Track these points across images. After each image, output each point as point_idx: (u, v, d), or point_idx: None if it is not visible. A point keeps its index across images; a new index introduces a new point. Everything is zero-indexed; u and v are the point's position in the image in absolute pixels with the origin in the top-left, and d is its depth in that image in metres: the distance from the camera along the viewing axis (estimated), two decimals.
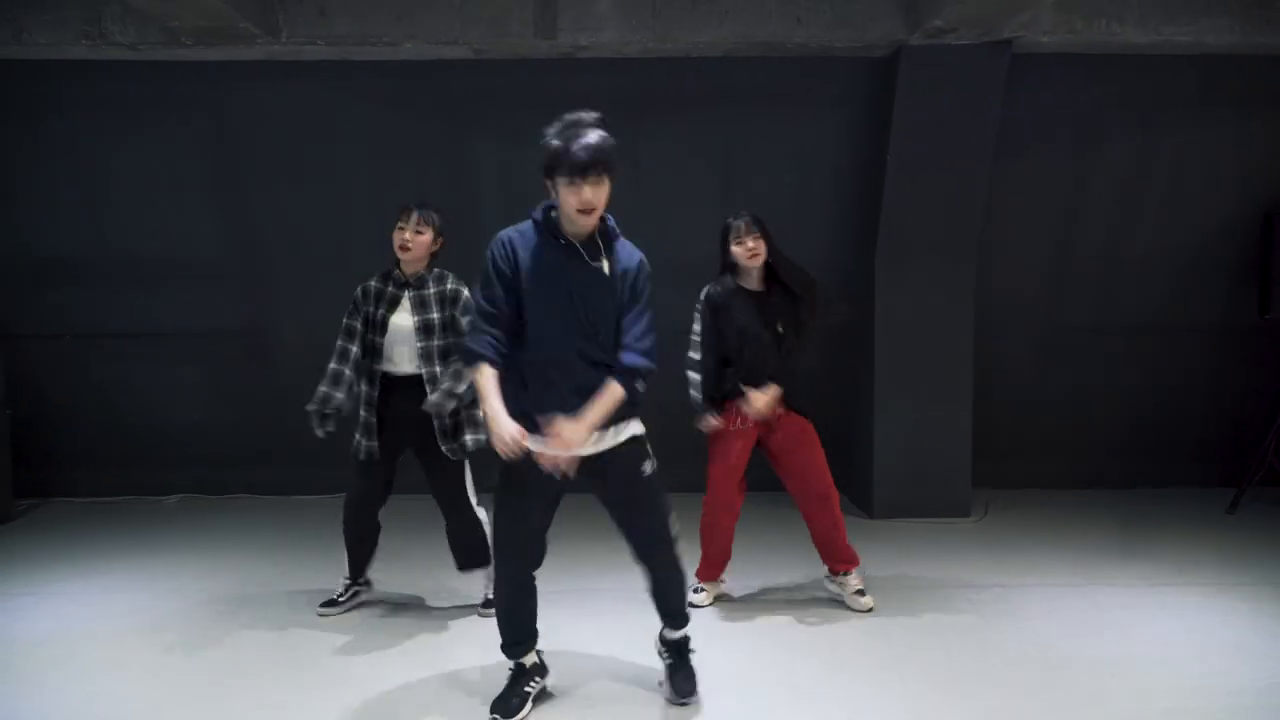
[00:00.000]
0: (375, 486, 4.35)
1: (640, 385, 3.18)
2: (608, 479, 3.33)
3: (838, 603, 4.55)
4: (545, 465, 3.07)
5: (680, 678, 3.51)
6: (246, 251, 6.50)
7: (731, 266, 4.42)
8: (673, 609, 3.54)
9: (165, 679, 3.74)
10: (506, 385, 3.16)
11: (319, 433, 4.28)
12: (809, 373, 4.66)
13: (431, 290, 4.25)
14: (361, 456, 4.26)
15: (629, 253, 3.27)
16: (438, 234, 4.26)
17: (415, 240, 4.19)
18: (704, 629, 4.23)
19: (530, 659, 3.51)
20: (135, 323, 6.56)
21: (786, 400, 4.40)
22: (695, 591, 4.55)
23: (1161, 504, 6.41)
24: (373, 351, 4.25)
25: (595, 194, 3.08)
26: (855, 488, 6.46)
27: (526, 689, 3.47)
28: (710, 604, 4.55)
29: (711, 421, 4.37)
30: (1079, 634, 4.13)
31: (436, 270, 4.31)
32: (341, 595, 4.50)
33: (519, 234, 3.23)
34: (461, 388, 4.15)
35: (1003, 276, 6.45)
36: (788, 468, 4.48)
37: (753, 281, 4.40)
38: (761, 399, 4.30)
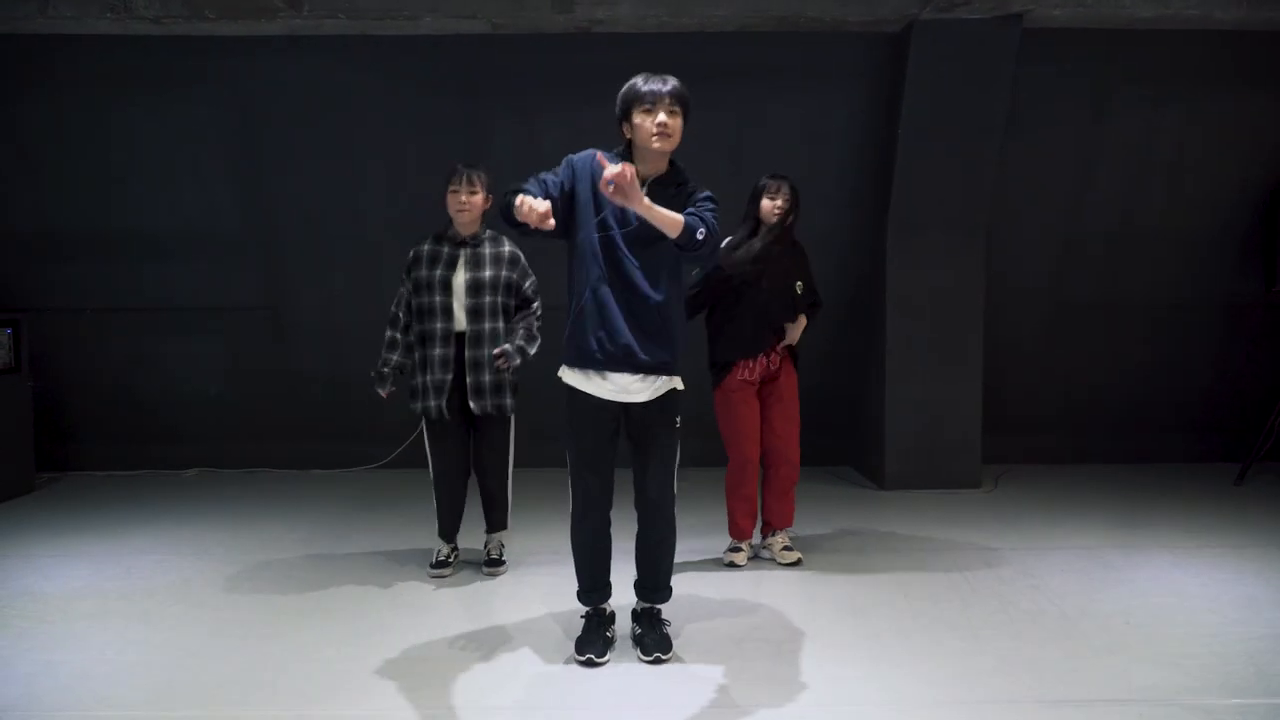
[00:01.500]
0: (459, 445, 4.40)
1: (701, 234, 3.14)
2: (643, 421, 3.41)
3: (850, 563, 4.64)
4: (604, 189, 3.03)
5: (651, 641, 3.53)
6: (265, 227, 6.56)
7: (755, 224, 4.54)
8: (653, 580, 3.58)
9: (197, 630, 3.80)
10: (579, 324, 3.32)
11: (381, 393, 4.36)
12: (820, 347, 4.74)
13: (487, 250, 4.33)
14: (433, 416, 4.32)
15: (698, 188, 3.37)
16: (488, 193, 4.33)
17: (471, 201, 4.26)
18: (731, 585, 4.32)
19: (607, 608, 3.60)
20: (154, 297, 6.63)
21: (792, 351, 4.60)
22: (732, 550, 4.65)
23: (1169, 477, 6.49)
24: (436, 312, 4.29)
25: (672, 119, 3.22)
26: (867, 460, 6.54)
27: (608, 634, 3.57)
28: (746, 564, 4.61)
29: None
30: (1093, 589, 4.21)
31: (490, 231, 4.39)
32: (447, 556, 4.53)
33: (599, 158, 3.27)
34: (532, 349, 4.28)
35: (1010, 252, 6.54)
36: (767, 420, 4.61)
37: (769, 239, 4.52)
38: (797, 329, 4.60)
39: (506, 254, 4.36)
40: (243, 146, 6.39)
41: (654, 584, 3.60)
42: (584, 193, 3.30)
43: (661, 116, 3.21)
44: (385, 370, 4.39)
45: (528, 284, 4.39)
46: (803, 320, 4.64)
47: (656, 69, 6.05)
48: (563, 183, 3.30)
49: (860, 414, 6.58)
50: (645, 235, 3.24)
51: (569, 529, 3.54)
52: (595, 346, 3.30)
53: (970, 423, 6.24)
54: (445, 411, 4.29)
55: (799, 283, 4.61)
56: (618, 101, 3.30)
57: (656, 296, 3.29)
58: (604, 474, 3.46)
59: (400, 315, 4.43)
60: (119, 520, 5.53)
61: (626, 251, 3.27)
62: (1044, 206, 6.54)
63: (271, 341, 6.75)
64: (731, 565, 4.60)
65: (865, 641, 3.65)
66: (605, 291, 3.28)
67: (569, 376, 3.42)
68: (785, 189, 4.53)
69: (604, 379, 3.35)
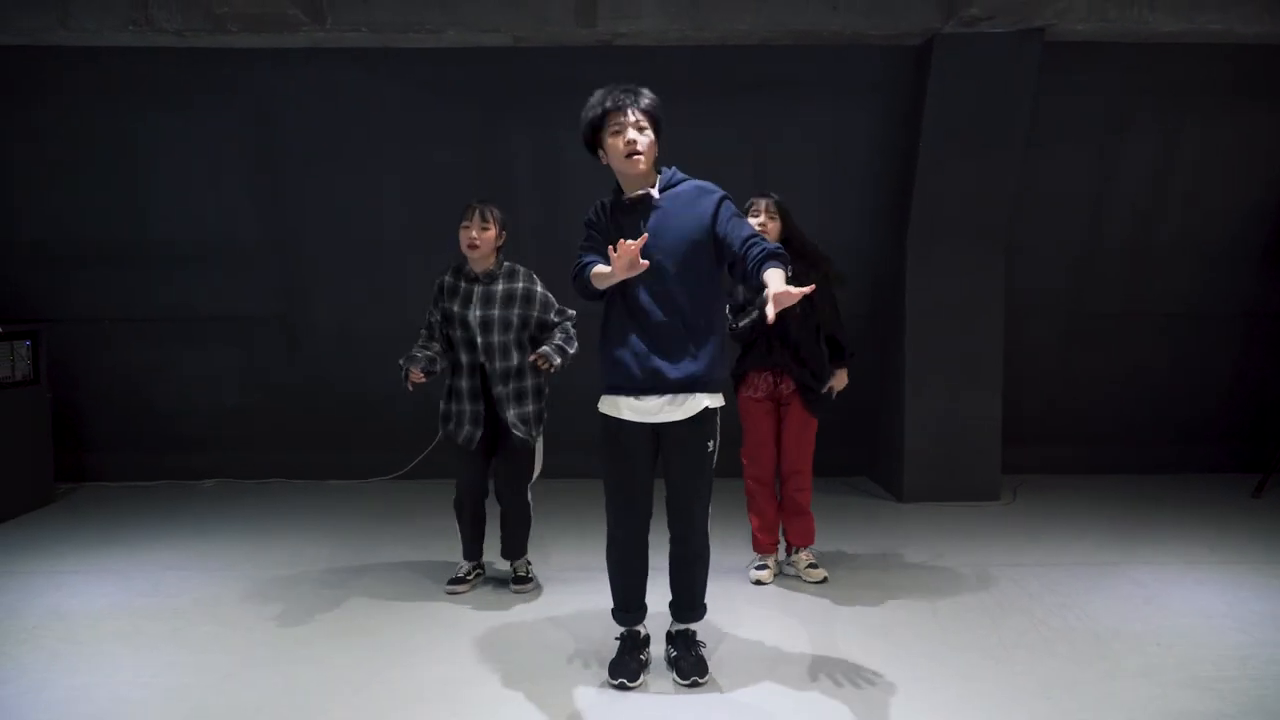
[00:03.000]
0: (481, 470, 4.45)
1: (788, 268, 3.14)
2: (676, 441, 3.40)
3: (872, 580, 4.64)
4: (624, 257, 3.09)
5: (687, 664, 3.49)
6: (283, 237, 6.55)
7: None
8: (688, 598, 3.56)
9: (229, 652, 3.80)
10: (605, 352, 3.37)
11: (409, 375, 4.29)
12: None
13: (500, 287, 4.32)
14: (460, 441, 4.36)
15: (696, 189, 3.33)
16: (501, 229, 4.33)
17: (482, 237, 4.26)
18: (759, 604, 4.31)
19: (642, 630, 3.59)
20: (172, 307, 6.62)
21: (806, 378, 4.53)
22: (757, 568, 4.64)
23: (1187, 489, 6.48)
24: (461, 345, 4.34)
25: (640, 134, 3.18)
26: (884, 471, 6.53)
27: (642, 656, 3.55)
28: (773, 580, 4.60)
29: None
30: (1123, 609, 4.20)
31: (507, 265, 4.39)
32: (467, 574, 4.55)
33: (606, 201, 3.42)
34: (571, 349, 4.30)
35: (1030, 263, 6.51)
36: (781, 436, 4.61)
37: None
38: (841, 377, 4.59)
39: (519, 291, 4.34)
40: (262, 157, 6.37)
41: (688, 602, 3.58)
42: (609, 233, 3.36)
43: (630, 135, 3.18)
44: (417, 354, 4.31)
45: (551, 314, 4.39)
46: (842, 376, 4.61)
47: (677, 82, 6.12)
48: (600, 236, 3.38)
49: (878, 425, 6.57)
50: (667, 257, 3.26)
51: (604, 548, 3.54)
52: (624, 372, 3.32)
53: (990, 435, 6.23)
54: (474, 439, 4.34)
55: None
56: (581, 125, 3.26)
57: (681, 313, 3.29)
58: (639, 499, 3.45)
59: (432, 334, 4.43)
60: (141, 533, 5.53)
61: (647, 277, 3.25)
62: (1063, 217, 6.52)
63: (289, 351, 6.74)
64: (758, 583, 4.59)
65: (897, 663, 3.64)
66: (628, 317, 3.31)
67: (603, 405, 3.43)
68: (767, 203, 4.46)
69: (637, 401, 3.35)
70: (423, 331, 4.47)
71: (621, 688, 3.42)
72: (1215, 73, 6.14)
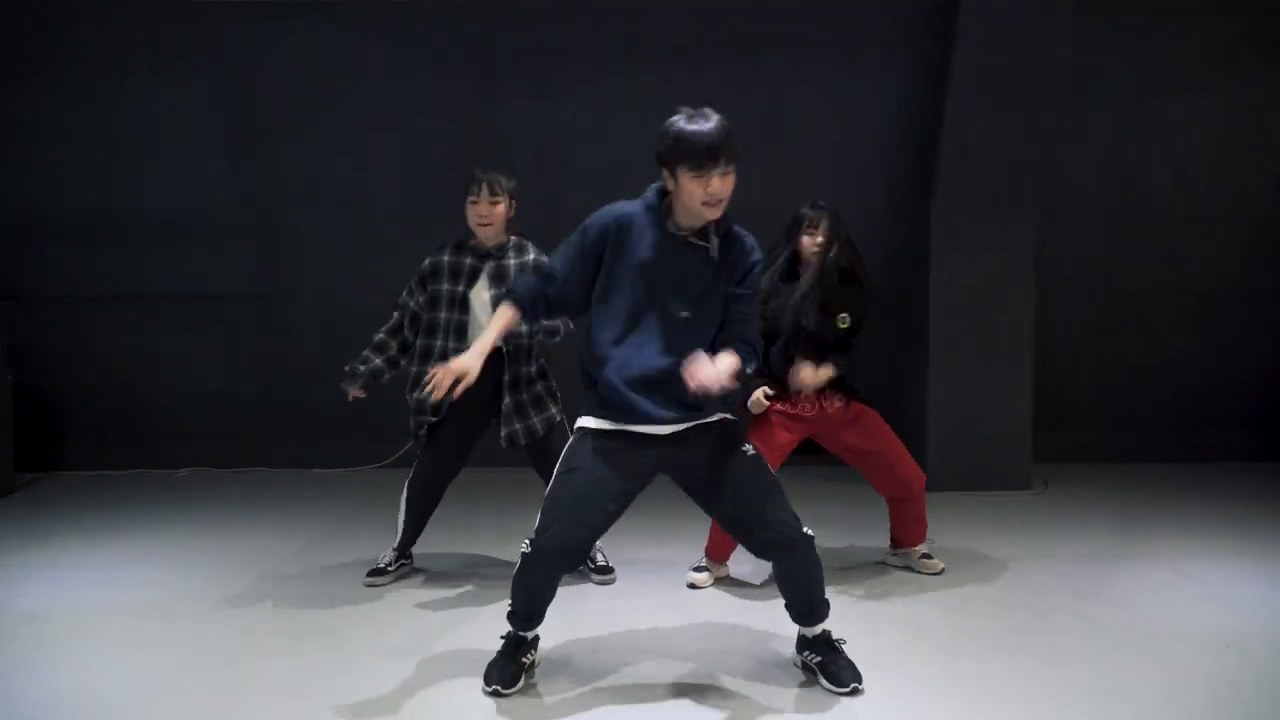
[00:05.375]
0: (442, 460, 4.09)
1: (750, 369, 2.95)
2: (704, 461, 2.97)
3: (904, 577, 4.22)
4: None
5: (838, 668, 3.06)
6: (262, 209, 6.20)
7: (793, 257, 4.06)
8: (808, 601, 3.09)
9: (175, 657, 3.39)
10: (591, 393, 3.00)
11: (348, 392, 4.01)
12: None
13: (512, 261, 3.98)
14: (422, 431, 4.04)
15: (743, 240, 2.99)
16: (511, 199, 3.97)
17: (494, 212, 3.91)
18: (774, 610, 3.88)
19: (533, 633, 3.17)
20: (144, 285, 6.27)
21: (846, 390, 4.10)
22: (696, 570, 4.15)
23: (1230, 477, 6.02)
24: (449, 332, 3.96)
25: (723, 184, 2.80)
26: None
27: (524, 659, 3.13)
28: (710, 585, 4.12)
29: (762, 400, 3.98)
30: (1177, 605, 3.78)
31: (515, 239, 4.04)
32: (389, 564, 4.19)
33: (628, 216, 2.95)
34: (559, 335, 3.97)
35: (1060, 236, 6.12)
36: (873, 467, 4.18)
37: (809, 272, 4.02)
38: (810, 372, 3.91)
39: (532, 264, 3.96)
40: (241, 123, 6.03)
41: (817, 600, 3.09)
42: (627, 256, 2.94)
43: (715, 185, 2.78)
44: (360, 368, 4.01)
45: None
46: (815, 370, 3.93)
47: (682, 42, 5.74)
48: (583, 272, 2.97)
49: (900, 410, 6.01)
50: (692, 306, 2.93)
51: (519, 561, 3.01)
52: (620, 405, 2.92)
53: (1020, 419, 5.81)
54: (425, 425, 4.01)
55: (842, 314, 4.01)
56: (662, 143, 2.82)
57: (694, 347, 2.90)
58: (596, 518, 2.96)
59: (404, 323, 4.08)
60: (103, 526, 5.12)
61: (670, 324, 2.92)
62: (1096, 187, 6.12)
63: (271, 332, 6.39)
64: (692, 586, 4.08)
65: (938, 669, 3.22)
66: (630, 350, 2.93)
67: (587, 420, 3.01)
68: (824, 222, 3.99)
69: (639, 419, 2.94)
70: (396, 318, 4.10)
71: (495, 695, 3.00)
72: (1268, 26, 5.71)
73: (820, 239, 3.97)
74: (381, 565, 4.17)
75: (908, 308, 6.00)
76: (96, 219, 6.14)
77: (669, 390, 2.87)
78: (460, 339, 3.90)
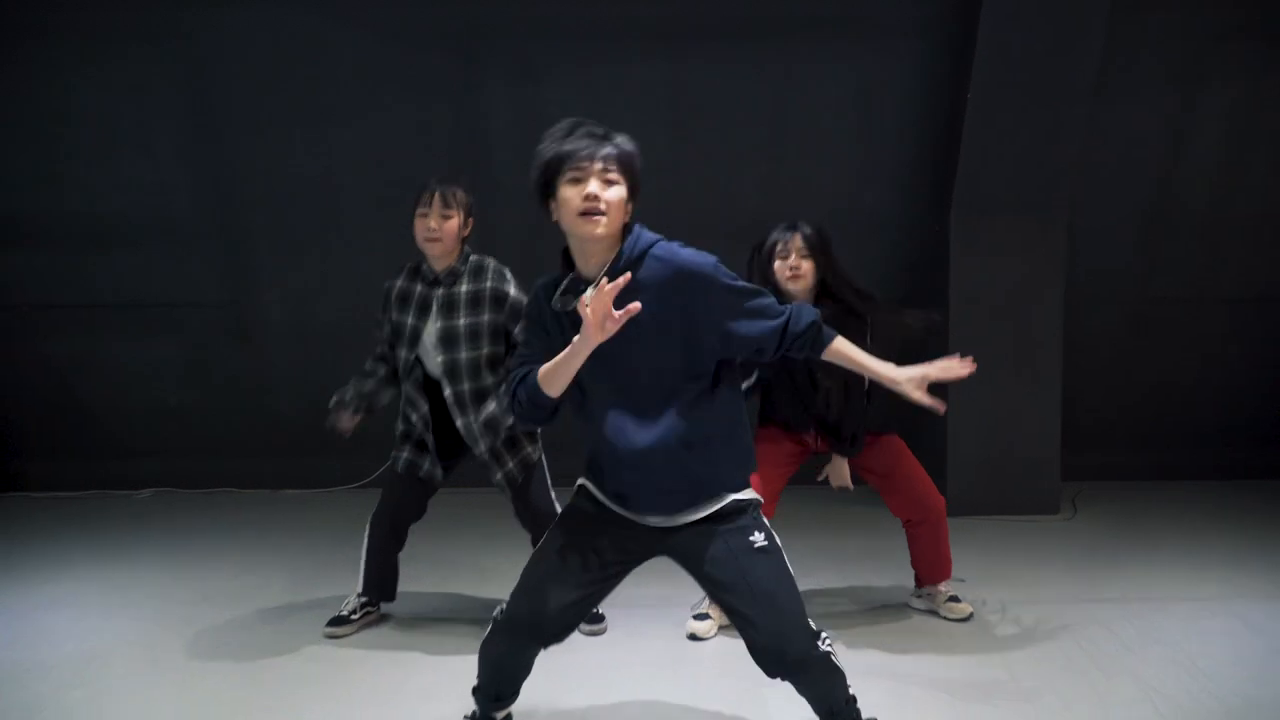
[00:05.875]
0: (410, 501, 3.72)
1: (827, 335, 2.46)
2: (706, 553, 2.42)
3: (929, 625, 3.78)
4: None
5: None
6: (226, 209, 5.82)
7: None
8: (828, 713, 2.53)
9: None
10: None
11: (339, 424, 3.66)
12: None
13: (464, 288, 3.52)
14: (399, 468, 3.67)
15: (675, 272, 2.32)
16: (467, 215, 3.51)
17: (443, 228, 3.45)
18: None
19: (502, 714, 2.71)
20: (99, 293, 5.90)
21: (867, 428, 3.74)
22: (696, 619, 3.70)
23: (1273, 497, 5.59)
24: (410, 368, 3.58)
25: (603, 188, 2.26)
26: None
27: None
28: (713, 635, 3.67)
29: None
30: (1245, 665, 3.33)
31: (473, 260, 3.57)
32: (353, 612, 3.74)
33: (538, 291, 2.50)
34: (509, 420, 3.48)
35: (1088, 238, 5.71)
36: (891, 488, 3.79)
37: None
38: (844, 471, 3.72)
39: (488, 292, 3.51)
40: (198, 114, 5.61)
41: (833, 709, 2.53)
42: (553, 336, 2.44)
43: (591, 186, 2.26)
44: (349, 395, 3.62)
45: (517, 329, 3.49)
46: (842, 466, 3.74)
47: (681, 25, 5.31)
48: (545, 338, 2.46)
49: (917, 428, 5.58)
50: (642, 364, 2.36)
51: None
52: (620, 492, 2.47)
53: (1047, 438, 5.41)
54: (417, 468, 3.63)
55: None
56: (534, 170, 2.34)
57: (673, 432, 2.36)
58: (577, 603, 2.46)
59: (384, 351, 3.71)
60: (49, 557, 4.71)
61: (612, 396, 2.39)
62: (1129, 186, 5.70)
63: (236, 342, 6.01)
64: (693, 637, 3.64)
65: None
66: (602, 441, 2.43)
67: (589, 483, 2.55)
68: (797, 240, 3.53)
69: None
70: (376, 350, 3.72)
71: None
72: None
73: (792, 260, 3.53)
74: (344, 613, 3.72)
75: (926, 318, 5.57)
76: (45, 222, 5.76)
77: (663, 474, 2.38)
78: (412, 380, 3.56)
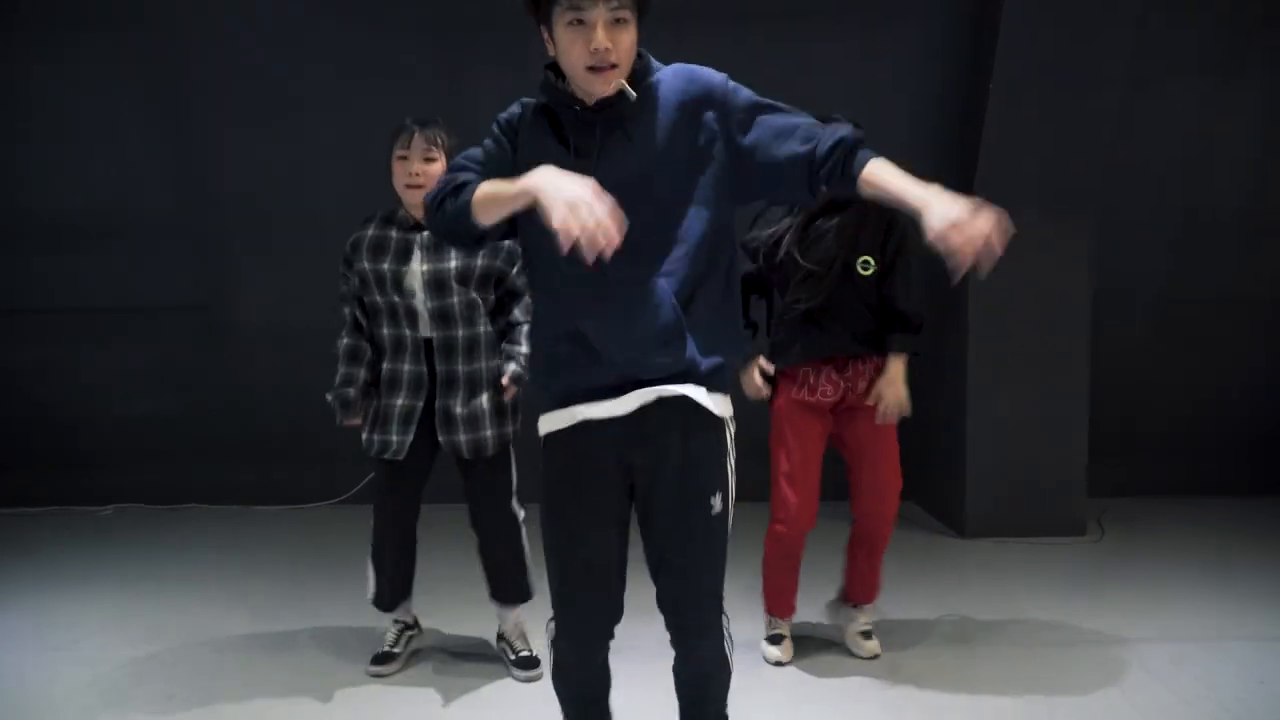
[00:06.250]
0: (409, 492, 3.33)
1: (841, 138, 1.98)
2: (653, 485, 2.10)
3: (953, 651, 3.48)
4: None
5: None
6: (197, 208, 5.57)
7: None
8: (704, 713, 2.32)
9: None
10: (537, 346, 2.17)
11: (348, 422, 3.28)
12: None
13: None
14: (386, 455, 3.22)
15: (685, 80, 2.04)
16: (446, 154, 3.16)
17: (426, 171, 3.12)
18: (781, 688, 3.09)
19: None
20: (60, 295, 5.65)
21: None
22: (771, 642, 3.46)
23: None
24: (396, 315, 3.21)
25: (611, 35, 1.93)
26: (941, 498, 5.40)
27: None
28: (791, 660, 3.43)
29: (759, 382, 3.30)
30: None
31: None
32: (394, 645, 3.44)
33: (522, 111, 2.14)
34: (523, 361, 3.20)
35: (1115, 237, 5.44)
36: (858, 465, 3.40)
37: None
38: (897, 391, 3.27)
39: None
40: (166, 106, 5.36)
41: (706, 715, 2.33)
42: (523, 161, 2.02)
43: (599, 36, 1.92)
44: (351, 392, 3.24)
45: (515, 270, 3.22)
46: (896, 365, 3.27)
47: (683, 9, 4.98)
48: (500, 155, 2.09)
49: (934, 440, 5.41)
50: (643, 198, 1.96)
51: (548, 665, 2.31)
52: (570, 374, 2.08)
53: (1074, 452, 5.11)
54: (403, 449, 3.19)
55: (864, 258, 3.25)
56: None
57: (670, 291, 2.01)
58: (603, 581, 2.15)
59: (358, 316, 3.30)
60: (14, 575, 4.45)
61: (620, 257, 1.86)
62: (1159, 181, 5.43)
63: (208, 348, 5.76)
64: (777, 664, 3.42)
65: None
66: (575, 300, 2.04)
67: (544, 423, 2.16)
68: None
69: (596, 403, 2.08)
70: (350, 315, 3.33)
71: None
72: None
73: None
74: (388, 649, 3.42)
75: (942, 323, 5.27)
76: (3, 220, 5.53)
77: (642, 312, 2.01)
78: (412, 323, 3.18)
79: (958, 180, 5.09)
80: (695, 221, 2.03)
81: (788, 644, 3.46)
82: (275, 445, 5.76)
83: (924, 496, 5.58)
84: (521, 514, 3.31)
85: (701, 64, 2.13)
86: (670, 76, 2.05)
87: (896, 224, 3.27)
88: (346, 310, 3.33)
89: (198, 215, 5.54)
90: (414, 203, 3.13)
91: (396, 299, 3.17)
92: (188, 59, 5.27)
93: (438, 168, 3.10)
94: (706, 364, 2.06)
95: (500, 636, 3.44)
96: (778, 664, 3.40)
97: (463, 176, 2.06)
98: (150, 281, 5.61)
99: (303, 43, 5.22)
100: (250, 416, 5.75)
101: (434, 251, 3.16)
